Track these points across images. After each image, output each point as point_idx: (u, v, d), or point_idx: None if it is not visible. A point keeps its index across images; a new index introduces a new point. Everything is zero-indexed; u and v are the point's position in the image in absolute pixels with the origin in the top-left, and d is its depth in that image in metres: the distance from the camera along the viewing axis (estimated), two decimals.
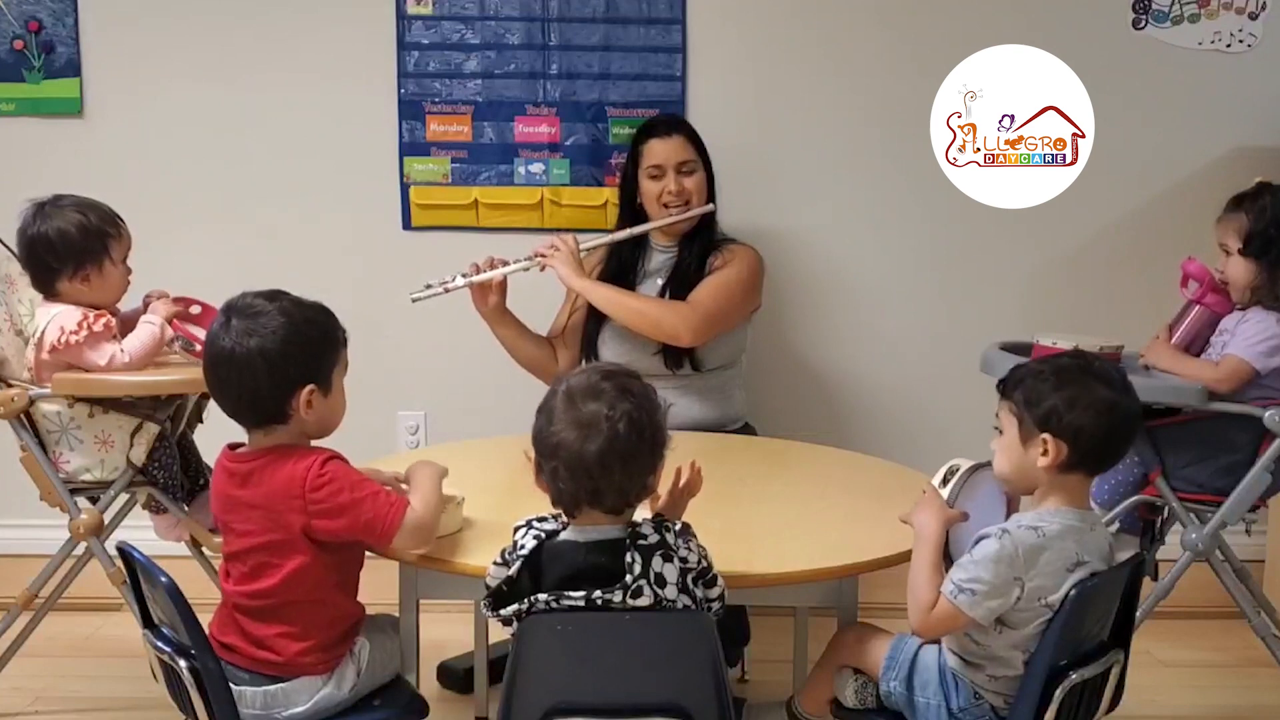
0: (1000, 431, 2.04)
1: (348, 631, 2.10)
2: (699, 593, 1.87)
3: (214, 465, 2.13)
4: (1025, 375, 2.03)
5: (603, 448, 1.80)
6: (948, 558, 2.03)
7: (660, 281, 3.16)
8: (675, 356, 3.08)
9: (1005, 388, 2.05)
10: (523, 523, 1.90)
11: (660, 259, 3.20)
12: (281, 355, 2.01)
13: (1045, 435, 1.96)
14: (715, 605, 1.91)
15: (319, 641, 2.06)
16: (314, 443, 2.10)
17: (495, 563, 1.88)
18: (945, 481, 2.08)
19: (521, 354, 3.17)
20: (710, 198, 3.17)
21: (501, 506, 2.18)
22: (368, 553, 2.12)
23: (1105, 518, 2.83)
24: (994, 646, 1.98)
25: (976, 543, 1.95)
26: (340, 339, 2.11)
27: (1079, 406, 1.96)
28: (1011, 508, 2.10)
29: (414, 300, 2.98)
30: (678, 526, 1.92)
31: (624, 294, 3.07)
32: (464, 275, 3.02)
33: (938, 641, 2.07)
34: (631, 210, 3.20)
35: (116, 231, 2.75)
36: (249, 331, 2.00)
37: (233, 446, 2.11)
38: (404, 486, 2.14)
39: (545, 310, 3.25)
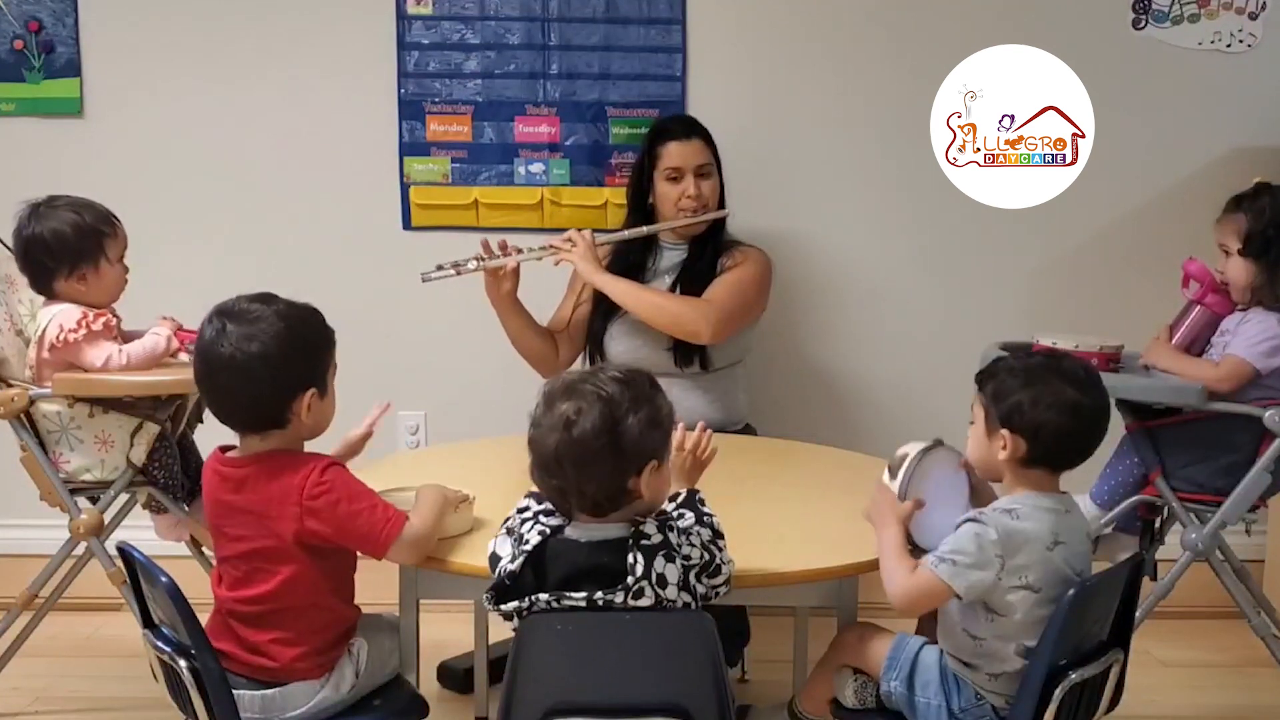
0: (972, 422, 2.08)
1: (342, 635, 2.10)
2: (701, 588, 1.87)
3: (203, 468, 2.11)
4: (999, 370, 2.06)
5: (557, 448, 1.80)
6: (915, 548, 2.03)
7: (670, 280, 3.16)
8: (685, 354, 3.08)
9: (980, 379, 2.08)
10: (530, 514, 1.90)
11: (671, 257, 3.20)
12: (283, 359, 1.99)
13: (1004, 431, 2.00)
14: (722, 590, 1.91)
15: (313, 646, 2.05)
16: (308, 446, 2.09)
17: (507, 531, 1.89)
18: (895, 474, 2.07)
19: (526, 346, 3.16)
20: (721, 200, 3.18)
21: (502, 507, 2.16)
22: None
23: (1105, 518, 2.84)
24: (987, 640, 1.98)
25: (956, 528, 1.97)
26: (332, 340, 2.09)
27: (1041, 405, 1.98)
28: (975, 486, 2.11)
29: (424, 280, 2.96)
30: (681, 498, 1.93)
31: (643, 289, 3.07)
32: (478, 259, 3.01)
33: (936, 642, 2.08)
34: (642, 210, 3.19)
35: (112, 230, 2.74)
36: (249, 336, 1.98)
37: (224, 449, 2.09)
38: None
39: (550, 301, 3.24)
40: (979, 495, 2.12)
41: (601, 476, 1.82)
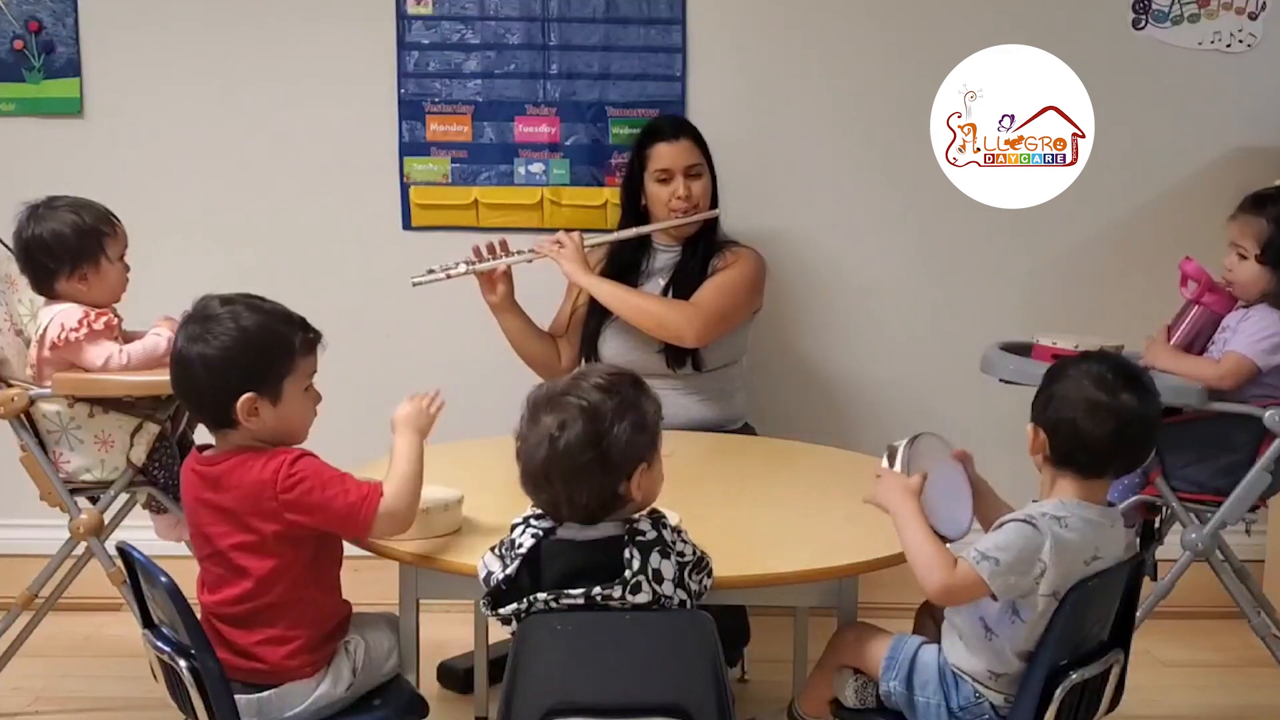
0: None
1: (334, 630, 2.10)
2: (694, 584, 1.87)
3: (182, 468, 2.12)
4: (1054, 367, 2.06)
5: (546, 462, 1.81)
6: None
7: (663, 281, 3.16)
8: (677, 356, 3.08)
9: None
10: (520, 520, 1.90)
11: (663, 259, 3.20)
12: (222, 361, 2.00)
13: (1031, 424, 2.01)
14: (707, 583, 1.91)
15: (304, 643, 2.05)
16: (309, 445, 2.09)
17: (492, 549, 1.89)
18: (891, 463, 2.06)
19: (527, 350, 3.17)
20: (714, 200, 3.17)
21: (501, 506, 2.17)
22: (369, 552, 2.12)
23: None
24: (999, 636, 1.97)
25: (999, 527, 1.95)
26: (296, 347, 2.05)
27: (1061, 401, 1.98)
28: (968, 470, 2.11)
29: (415, 284, 2.99)
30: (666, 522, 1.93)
31: (629, 291, 3.07)
32: (467, 263, 3.03)
33: (934, 641, 2.08)
34: (635, 212, 3.19)
35: (112, 230, 2.75)
36: (197, 336, 2.01)
37: (201, 448, 2.10)
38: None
39: (549, 306, 3.25)
40: (977, 489, 2.11)
41: (591, 487, 1.83)
